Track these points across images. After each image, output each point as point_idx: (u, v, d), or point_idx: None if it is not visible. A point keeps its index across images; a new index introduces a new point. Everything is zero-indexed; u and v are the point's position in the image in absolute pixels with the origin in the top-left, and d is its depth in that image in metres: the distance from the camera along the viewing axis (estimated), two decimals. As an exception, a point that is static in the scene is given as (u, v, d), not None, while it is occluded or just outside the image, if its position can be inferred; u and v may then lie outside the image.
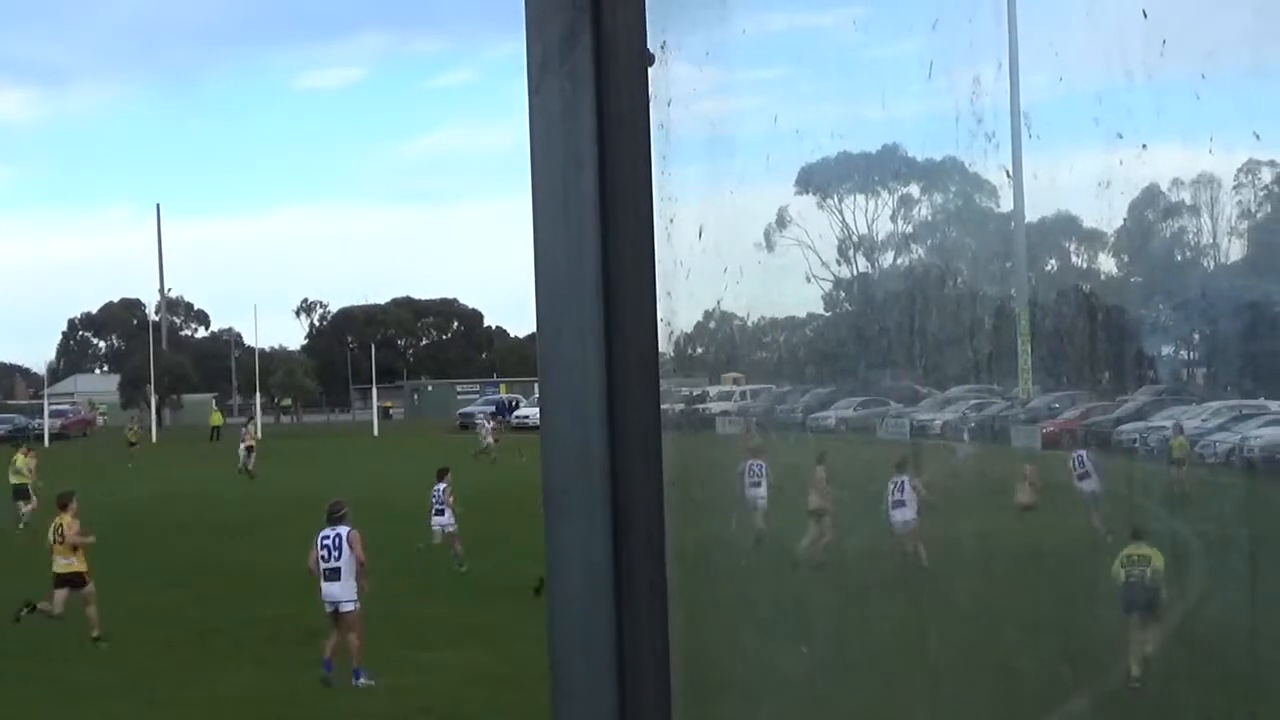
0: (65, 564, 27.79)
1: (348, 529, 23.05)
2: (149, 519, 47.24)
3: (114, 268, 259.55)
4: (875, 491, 24.53)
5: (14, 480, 49.62)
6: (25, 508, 47.20)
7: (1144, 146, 4.93)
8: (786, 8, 4.65)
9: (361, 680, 22.26)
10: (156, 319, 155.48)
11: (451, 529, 36.09)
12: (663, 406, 2.58)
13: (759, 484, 24.41)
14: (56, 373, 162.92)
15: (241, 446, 74.14)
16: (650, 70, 2.58)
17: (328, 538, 22.98)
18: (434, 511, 36.76)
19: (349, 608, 22.70)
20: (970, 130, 4.57)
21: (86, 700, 21.55)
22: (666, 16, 2.65)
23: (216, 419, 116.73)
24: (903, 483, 27.20)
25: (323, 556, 22.90)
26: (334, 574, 22.79)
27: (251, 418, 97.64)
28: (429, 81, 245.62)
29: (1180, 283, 14.53)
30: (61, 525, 28.20)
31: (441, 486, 37.00)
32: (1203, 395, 18.17)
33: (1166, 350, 15.28)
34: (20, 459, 50.94)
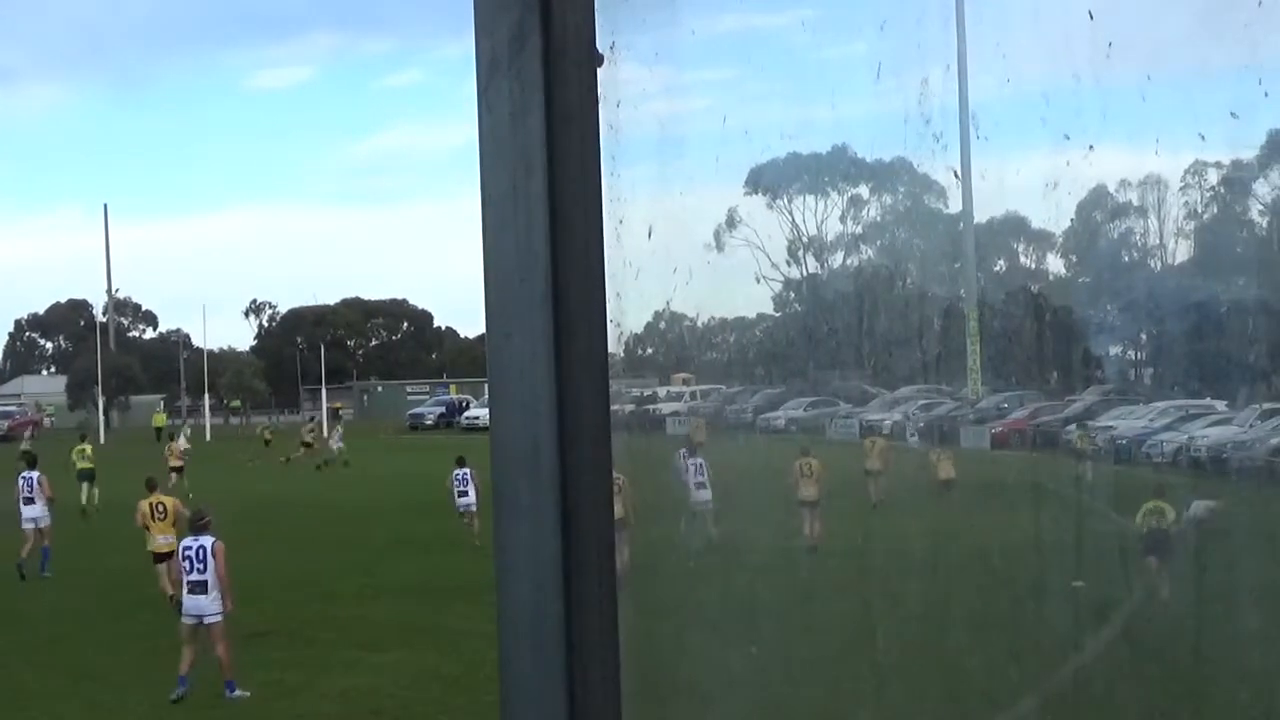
0: (166, 542, 29.62)
1: (212, 540, 22.34)
2: (104, 521, 46.97)
3: (61, 268, 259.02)
4: (838, 488, 24.67)
5: (81, 465, 54.36)
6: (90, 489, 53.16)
7: (1091, 148, 4.97)
8: (736, 9, 4.66)
9: (236, 693, 21.62)
10: (104, 320, 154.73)
11: (475, 507, 39.06)
12: (613, 408, 2.59)
13: (688, 472, 25.84)
14: (3, 374, 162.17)
15: (334, 442, 77.07)
16: (599, 71, 2.58)
17: (190, 548, 22.21)
18: (458, 494, 40.59)
19: (214, 619, 22.01)
20: (919, 131, 4.59)
21: (33, 703, 21.43)
22: (616, 17, 2.65)
23: (159, 420, 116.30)
24: (701, 464, 29.62)
25: (185, 568, 22.20)
26: (200, 586, 21.97)
27: (313, 416, 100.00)
28: (378, 82, 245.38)
29: (1127, 283, 14.63)
30: (164, 504, 30.82)
31: (466, 471, 40.77)
32: (1150, 395, 18.28)
33: (1114, 350, 15.38)
34: (88, 448, 56.28)
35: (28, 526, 36.51)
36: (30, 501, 36.97)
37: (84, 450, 55.49)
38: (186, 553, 22.26)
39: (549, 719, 2.51)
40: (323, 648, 24.96)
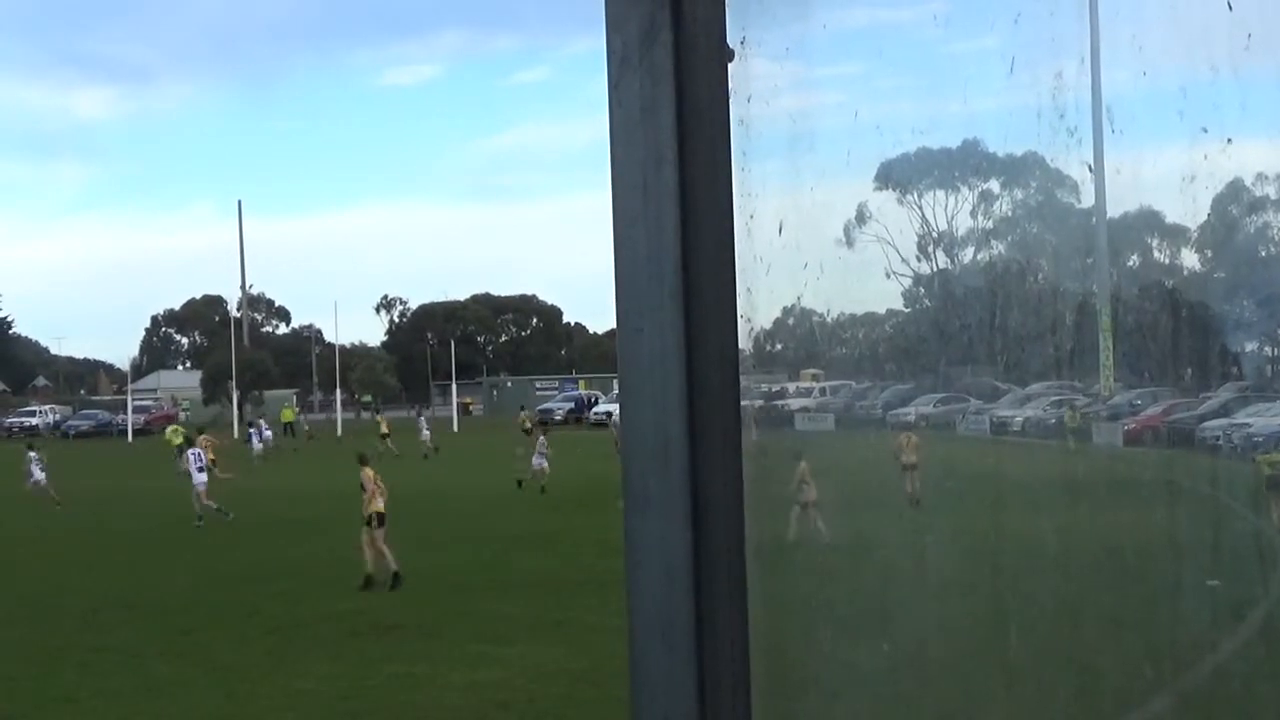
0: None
1: None
2: (237, 515, 47.57)
3: (196, 265, 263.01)
4: (953, 488, 24.37)
5: (175, 441, 71.51)
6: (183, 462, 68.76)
7: (1229, 141, 4.87)
8: (866, 3, 4.63)
9: None
10: (238, 315, 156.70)
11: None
12: (742, 403, 2.57)
13: (190, 461, 45.14)
14: (140, 369, 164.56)
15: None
16: (730, 66, 2.58)
17: None
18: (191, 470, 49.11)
19: None
20: (1052, 125, 4.52)
21: (168, 693, 21.74)
22: (746, 12, 2.64)
23: (288, 415, 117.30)
24: (199, 454, 46.83)
25: None
26: None
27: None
28: (507, 79, 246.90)
29: (1265, 278, 14.36)
30: None
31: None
32: (1287, 392, 18.07)
33: (1250, 346, 15.13)
34: (180, 427, 79.44)
35: None
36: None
37: (178, 430, 76.70)
38: None
39: (679, 714, 2.50)
40: (451, 641, 25.11)
